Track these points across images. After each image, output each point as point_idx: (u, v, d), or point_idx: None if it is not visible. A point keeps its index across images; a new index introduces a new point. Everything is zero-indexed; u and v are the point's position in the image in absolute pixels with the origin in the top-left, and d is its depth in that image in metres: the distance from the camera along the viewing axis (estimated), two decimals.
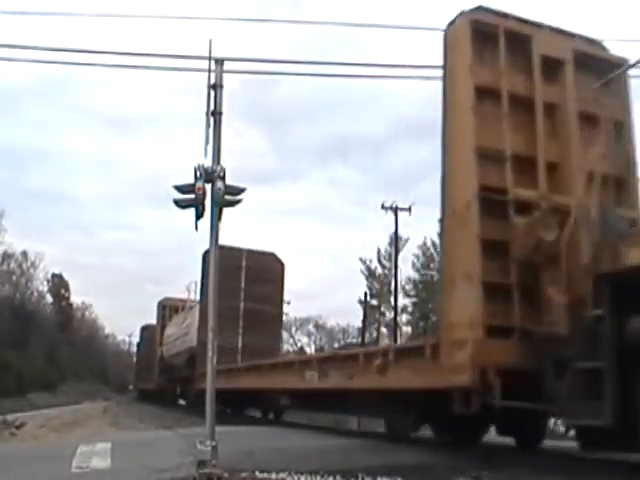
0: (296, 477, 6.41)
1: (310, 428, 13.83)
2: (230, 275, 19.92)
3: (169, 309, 37.13)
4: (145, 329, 45.85)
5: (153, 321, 40.81)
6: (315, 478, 6.41)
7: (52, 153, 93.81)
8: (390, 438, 10.16)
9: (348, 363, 10.57)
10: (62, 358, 60.04)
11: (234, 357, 19.63)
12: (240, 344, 20.48)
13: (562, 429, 8.61)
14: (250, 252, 21.88)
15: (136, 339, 58.55)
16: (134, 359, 61.91)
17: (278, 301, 22.55)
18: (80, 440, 10.06)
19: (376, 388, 9.60)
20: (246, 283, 21.33)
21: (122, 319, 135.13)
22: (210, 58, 7.18)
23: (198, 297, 26.38)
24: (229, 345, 19.34)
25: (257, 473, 6.48)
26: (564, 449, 8.68)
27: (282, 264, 22.44)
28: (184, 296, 38.83)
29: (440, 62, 8.38)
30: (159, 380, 34.87)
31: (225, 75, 7.28)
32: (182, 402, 28.47)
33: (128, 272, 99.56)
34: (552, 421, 9.36)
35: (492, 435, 10.06)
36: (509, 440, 9.48)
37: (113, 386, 74.59)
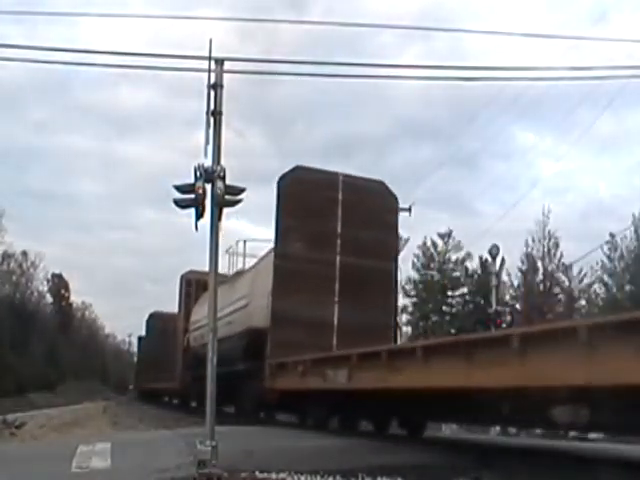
0: (296, 477, 6.40)
1: (309, 428, 13.80)
2: (319, 213, 13.98)
3: (196, 285, 26.45)
4: (154, 317, 36.67)
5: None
6: (315, 478, 6.41)
7: (52, 153, 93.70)
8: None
9: None
10: (62, 358, 60.04)
11: (328, 337, 13.36)
12: (336, 318, 13.63)
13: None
14: (349, 178, 14.54)
15: (136, 340, 58.34)
16: (134, 358, 61.74)
17: (392, 254, 15.01)
18: (80, 440, 10.04)
19: None
20: (344, 226, 14.01)
21: (122, 319, 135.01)
22: (210, 58, 7.19)
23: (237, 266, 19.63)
24: (320, 319, 13.34)
25: (257, 473, 6.47)
26: (564, 449, 8.69)
27: (396, 198, 15.11)
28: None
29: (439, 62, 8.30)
30: (183, 377, 25.62)
31: (225, 75, 7.29)
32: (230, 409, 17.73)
33: (128, 272, 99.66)
34: None
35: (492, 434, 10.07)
36: (509, 440, 9.48)
37: (113, 386, 74.60)
